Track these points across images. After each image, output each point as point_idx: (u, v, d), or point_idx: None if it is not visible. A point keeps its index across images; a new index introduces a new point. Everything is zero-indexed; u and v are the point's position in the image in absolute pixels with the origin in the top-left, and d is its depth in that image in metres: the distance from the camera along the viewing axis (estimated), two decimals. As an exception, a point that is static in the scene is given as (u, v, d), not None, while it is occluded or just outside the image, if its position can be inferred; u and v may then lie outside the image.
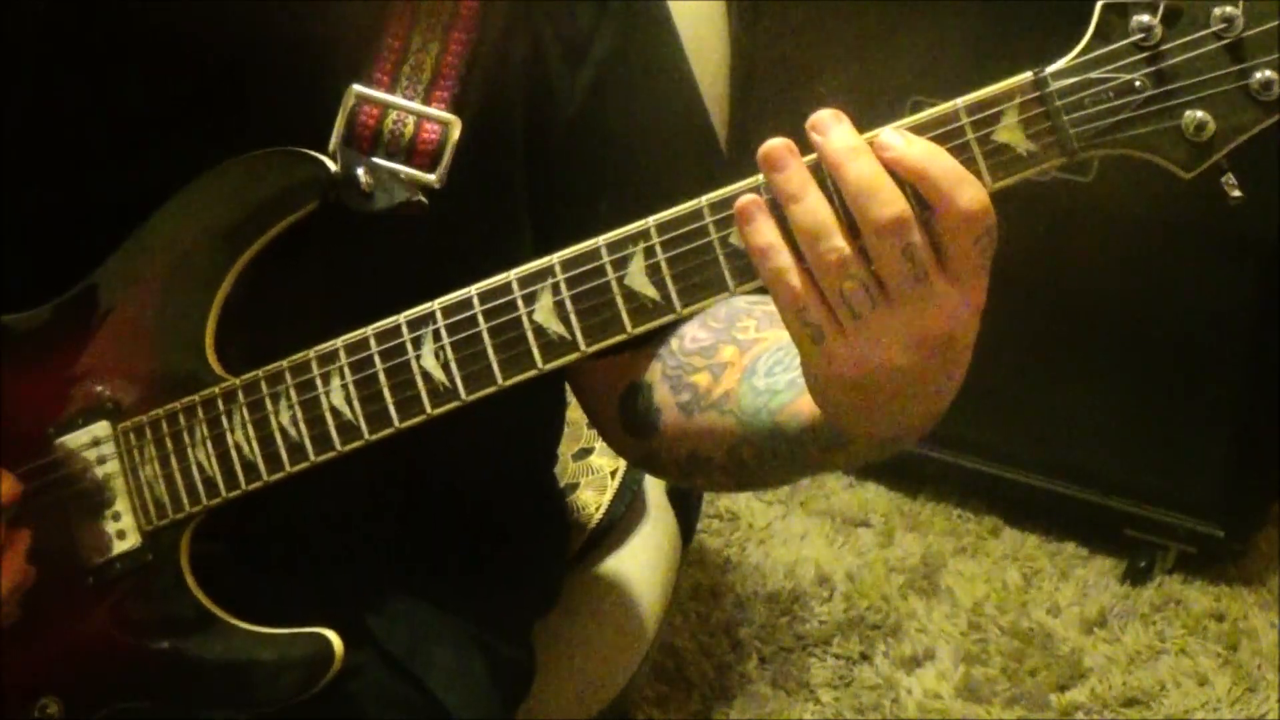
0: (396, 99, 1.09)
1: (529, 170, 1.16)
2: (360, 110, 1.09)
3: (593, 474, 1.56)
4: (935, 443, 2.47)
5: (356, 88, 1.09)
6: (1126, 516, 2.39)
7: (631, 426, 1.16)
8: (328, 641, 1.06)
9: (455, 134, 1.09)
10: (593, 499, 1.53)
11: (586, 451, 1.59)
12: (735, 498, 2.53)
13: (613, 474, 1.56)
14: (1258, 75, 0.86)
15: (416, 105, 1.09)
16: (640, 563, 1.54)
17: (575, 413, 1.52)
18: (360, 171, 1.07)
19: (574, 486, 1.54)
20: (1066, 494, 2.43)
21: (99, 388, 1.10)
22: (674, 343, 1.13)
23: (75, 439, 1.10)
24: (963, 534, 2.48)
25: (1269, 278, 2.22)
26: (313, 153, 1.07)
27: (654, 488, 1.61)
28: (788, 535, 2.47)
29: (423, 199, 1.08)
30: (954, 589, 2.34)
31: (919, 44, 2.33)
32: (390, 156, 1.08)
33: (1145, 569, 2.38)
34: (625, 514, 1.55)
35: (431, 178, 1.09)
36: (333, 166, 1.06)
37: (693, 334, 1.12)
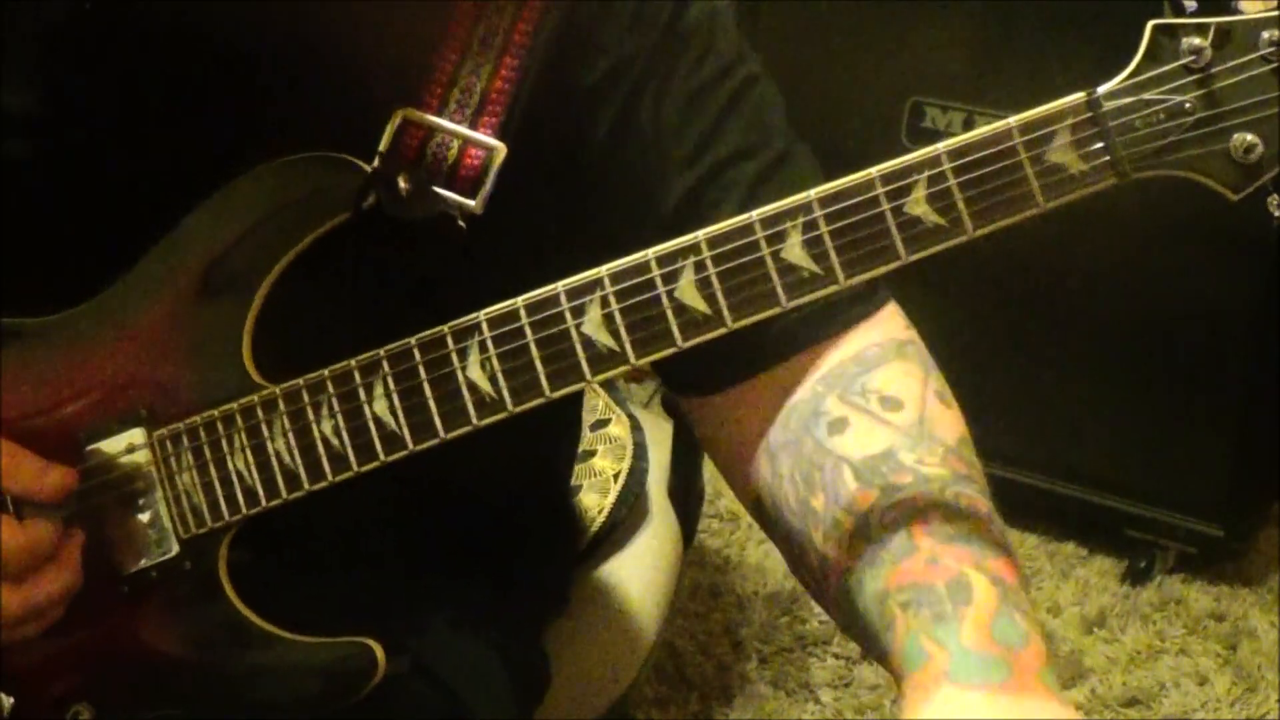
0: (444, 122, 1.07)
1: (562, 199, 1.13)
2: (405, 132, 1.06)
3: (595, 476, 1.56)
4: (935, 443, 2.47)
5: (404, 111, 1.06)
6: (1126, 516, 2.40)
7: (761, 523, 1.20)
8: (371, 650, 1.06)
9: (499, 160, 1.06)
10: (595, 502, 1.53)
11: (589, 454, 1.59)
12: (735, 498, 2.52)
13: (615, 476, 1.56)
14: (1306, 98, 0.87)
15: (464, 130, 1.07)
16: (642, 565, 1.54)
17: (576, 414, 1.53)
18: (399, 177, 1.06)
19: (577, 489, 1.54)
20: (1066, 494, 2.44)
21: (132, 394, 1.08)
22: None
23: (109, 446, 1.08)
24: (963, 533, 2.48)
25: (1269, 278, 2.23)
26: (348, 158, 1.05)
27: (656, 490, 1.61)
28: (788, 535, 2.47)
29: (461, 217, 1.06)
30: (954, 588, 2.35)
31: (919, 44, 2.34)
32: (431, 179, 1.06)
33: (1145, 569, 2.39)
34: (627, 516, 1.55)
35: (473, 203, 1.06)
36: (368, 168, 1.05)
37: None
